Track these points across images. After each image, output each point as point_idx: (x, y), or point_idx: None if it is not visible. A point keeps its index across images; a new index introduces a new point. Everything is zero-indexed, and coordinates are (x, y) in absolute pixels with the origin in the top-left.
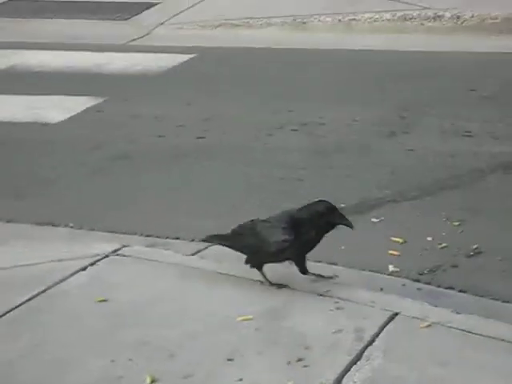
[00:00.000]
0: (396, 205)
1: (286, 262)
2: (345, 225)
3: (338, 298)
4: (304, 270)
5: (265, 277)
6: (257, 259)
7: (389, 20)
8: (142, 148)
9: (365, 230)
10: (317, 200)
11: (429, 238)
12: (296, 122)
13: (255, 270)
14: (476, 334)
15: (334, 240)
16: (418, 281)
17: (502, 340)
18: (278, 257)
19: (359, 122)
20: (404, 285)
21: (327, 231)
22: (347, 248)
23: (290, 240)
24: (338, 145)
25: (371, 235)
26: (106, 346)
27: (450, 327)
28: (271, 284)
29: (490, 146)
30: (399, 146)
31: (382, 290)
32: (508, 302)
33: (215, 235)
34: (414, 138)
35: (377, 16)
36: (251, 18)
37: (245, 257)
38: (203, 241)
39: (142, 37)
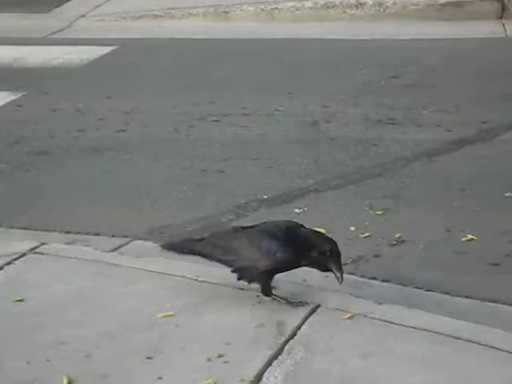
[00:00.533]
0: (319, 194)
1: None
2: (335, 275)
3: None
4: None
5: (279, 296)
6: (250, 275)
7: (311, 8)
8: (63, 142)
9: None
10: (327, 236)
11: (352, 228)
12: (218, 113)
13: (174, 265)
14: (398, 324)
15: None
16: None
17: (425, 330)
18: (272, 271)
19: (282, 111)
20: (327, 276)
21: (312, 267)
22: None
23: (289, 257)
24: (261, 135)
25: None
26: (22, 346)
27: (373, 318)
28: (288, 302)
29: (413, 133)
30: (322, 135)
31: (304, 281)
32: (431, 290)
33: (177, 243)
34: (337, 127)
35: (299, 4)
36: (173, 8)
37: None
38: (162, 247)
39: (63, 29)
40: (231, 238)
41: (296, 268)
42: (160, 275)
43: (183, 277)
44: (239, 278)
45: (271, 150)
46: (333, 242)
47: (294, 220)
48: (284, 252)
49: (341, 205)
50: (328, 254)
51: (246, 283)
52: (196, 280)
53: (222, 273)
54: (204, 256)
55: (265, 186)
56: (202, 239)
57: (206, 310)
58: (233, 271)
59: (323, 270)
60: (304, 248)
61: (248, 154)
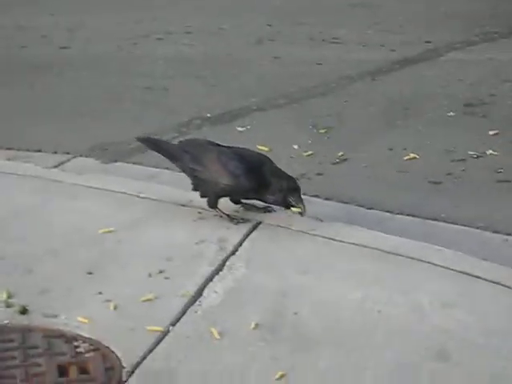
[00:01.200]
0: (262, 113)
1: None
2: (298, 209)
3: (202, 208)
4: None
5: (222, 211)
6: (207, 188)
7: None
8: (4, 59)
9: (231, 140)
10: (288, 174)
11: (295, 146)
12: (161, 31)
13: (116, 182)
14: (339, 241)
15: None
16: None
17: (366, 246)
18: (229, 191)
19: (226, 30)
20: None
21: (272, 203)
22: None
23: (249, 185)
24: (204, 53)
25: (237, 144)
26: None
27: (314, 235)
28: (230, 218)
29: (358, 52)
30: (266, 53)
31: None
32: (372, 208)
33: (154, 139)
34: (281, 46)
35: None
36: None
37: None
38: (138, 139)
39: None
40: (203, 149)
41: (249, 198)
42: (102, 191)
43: (125, 193)
44: (195, 189)
45: (215, 68)
46: (292, 179)
47: (263, 154)
48: (247, 178)
49: (284, 123)
50: (286, 190)
51: (196, 196)
52: (137, 196)
53: (163, 189)
54: (171, 157)
55: (208, 104)
56: (176, 144)
57: (148, 225)
58: (193, 180)
59: (284, 207)
60: (265, 181)
61: (191, 72)
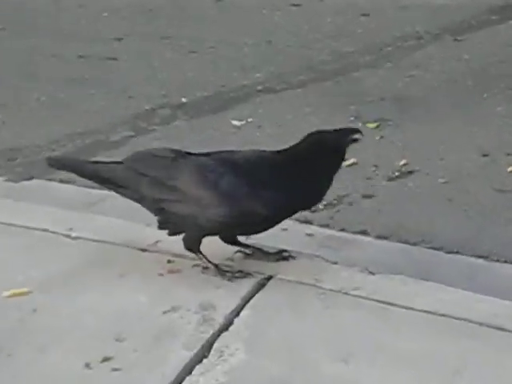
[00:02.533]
0: (272, 97)
1: None
2: None
3: (174, 254)
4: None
5: (207, 259)
6: (185, 224)
7: None
8: None
9: (220, 142)
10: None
11: None
12: None
13: (32, 211)
14: (400, 306)
15: None
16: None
17: (443, 315)
18: (224, 227)
19: None
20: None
21: None
22: None
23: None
24: None
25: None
26: None
27: (359, 297)
28: (220, 271)
29: None
30: None
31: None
32: (455, 252)
33: (76, 161)
34: None
35: None
36: None
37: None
38: (49, 163)
39: None
40: (169, 165)
41: (252, 234)
42: (7, 229)
43: (46, 231)
44: (162, 226)
45: (194, 21)
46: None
47: (258, 149)
48: (257, 200)
49: (307, 113)
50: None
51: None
52: (67, 236)
53: (109, 223)
54: (114, 185)
55: (183, 83)
56: (117, 162)
57: (84, 284)
58: (159, 215)
59: None
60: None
61: (154, 29)
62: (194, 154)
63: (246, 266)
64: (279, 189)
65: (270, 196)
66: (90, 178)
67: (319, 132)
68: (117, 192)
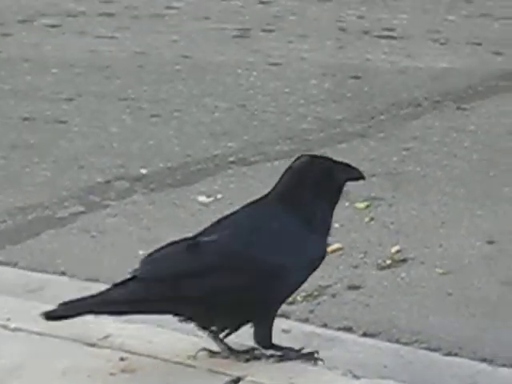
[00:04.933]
0: (246, 169)
1: None
2: None
3: (127, 351)
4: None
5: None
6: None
7: None
8: None
9: (183, 222)
10: None
11: None
12: (54, 11)
13: None
14: None
15: None
16: None
17: None
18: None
19: (180, 9)
20: None
21: None
22: None
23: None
24: (138, 53)
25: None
26: None
27: None
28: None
29: (428, 55)
30: (254, 54)
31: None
32: (453, 354)
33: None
34: (278, 42)
35: None
36: None
37: None
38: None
39: None
40: (190, 258)
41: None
42: None
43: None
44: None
45: (155, 79)
46: None
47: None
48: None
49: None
50: None
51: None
52: (5, 327)
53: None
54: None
55: (143, 152)
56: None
57: None
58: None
59: None
60: None
61: (111, 89)
62: (190, 238)
63: (211, 365)
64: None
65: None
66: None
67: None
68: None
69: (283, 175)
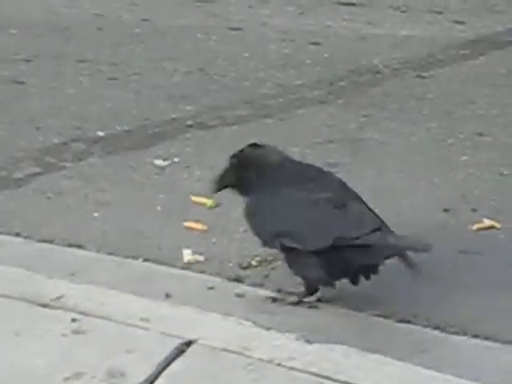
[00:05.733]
0: (203, 133)
1: None
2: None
3: (81, 312)
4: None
5: None
6: None
7: None
8: None
9: (139, 184)
10: None
11: None
12: None
13: None
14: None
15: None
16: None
17: None
18: None
19: None
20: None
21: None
22: None
23: None
24: (98, 15)
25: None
26: None
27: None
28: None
29: (393, 23)
30: (215, 17)
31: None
32: None
33: None
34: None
35: None
36: None
37: None
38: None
39: None
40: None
41: None
42: None
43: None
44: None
45: (115, 37)
46: None
47: None
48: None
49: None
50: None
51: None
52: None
53: (3, 273)
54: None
55: (100, 114)
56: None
57: None
58: None
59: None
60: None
61: (69, 49)
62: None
63: (163, 328)
64: None
65: None
66: None
67: None
68: None
69: None
